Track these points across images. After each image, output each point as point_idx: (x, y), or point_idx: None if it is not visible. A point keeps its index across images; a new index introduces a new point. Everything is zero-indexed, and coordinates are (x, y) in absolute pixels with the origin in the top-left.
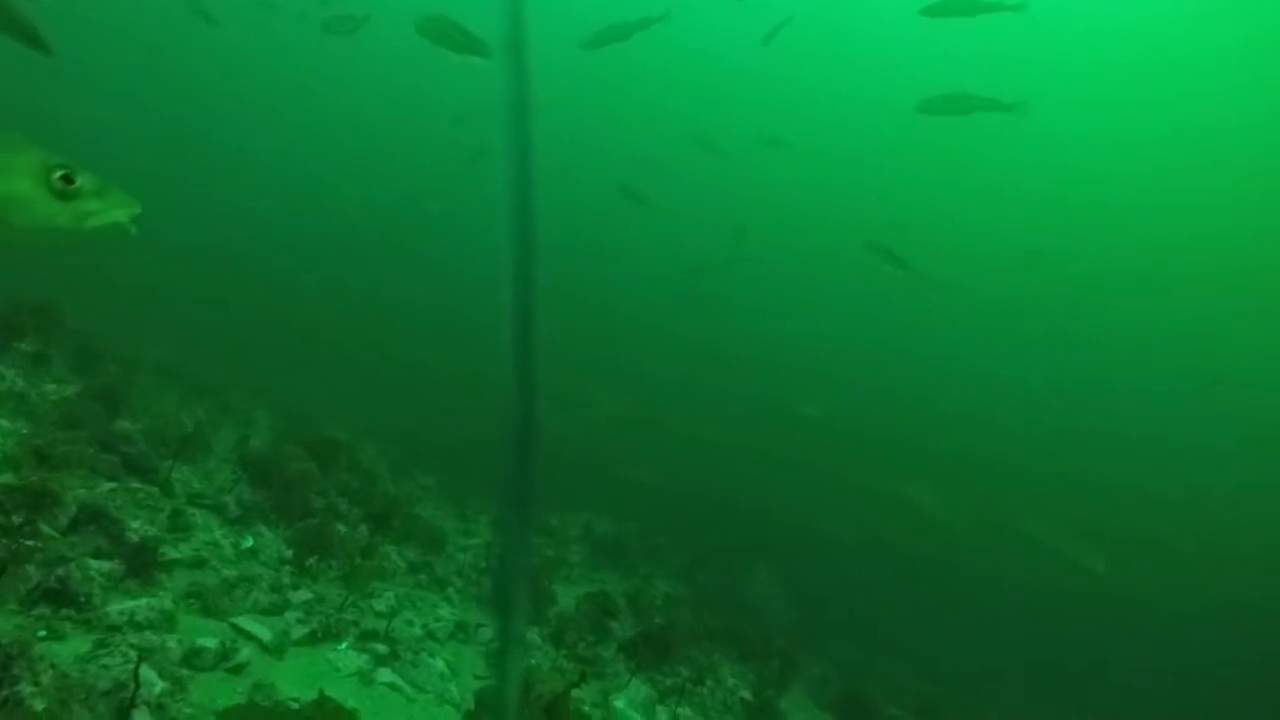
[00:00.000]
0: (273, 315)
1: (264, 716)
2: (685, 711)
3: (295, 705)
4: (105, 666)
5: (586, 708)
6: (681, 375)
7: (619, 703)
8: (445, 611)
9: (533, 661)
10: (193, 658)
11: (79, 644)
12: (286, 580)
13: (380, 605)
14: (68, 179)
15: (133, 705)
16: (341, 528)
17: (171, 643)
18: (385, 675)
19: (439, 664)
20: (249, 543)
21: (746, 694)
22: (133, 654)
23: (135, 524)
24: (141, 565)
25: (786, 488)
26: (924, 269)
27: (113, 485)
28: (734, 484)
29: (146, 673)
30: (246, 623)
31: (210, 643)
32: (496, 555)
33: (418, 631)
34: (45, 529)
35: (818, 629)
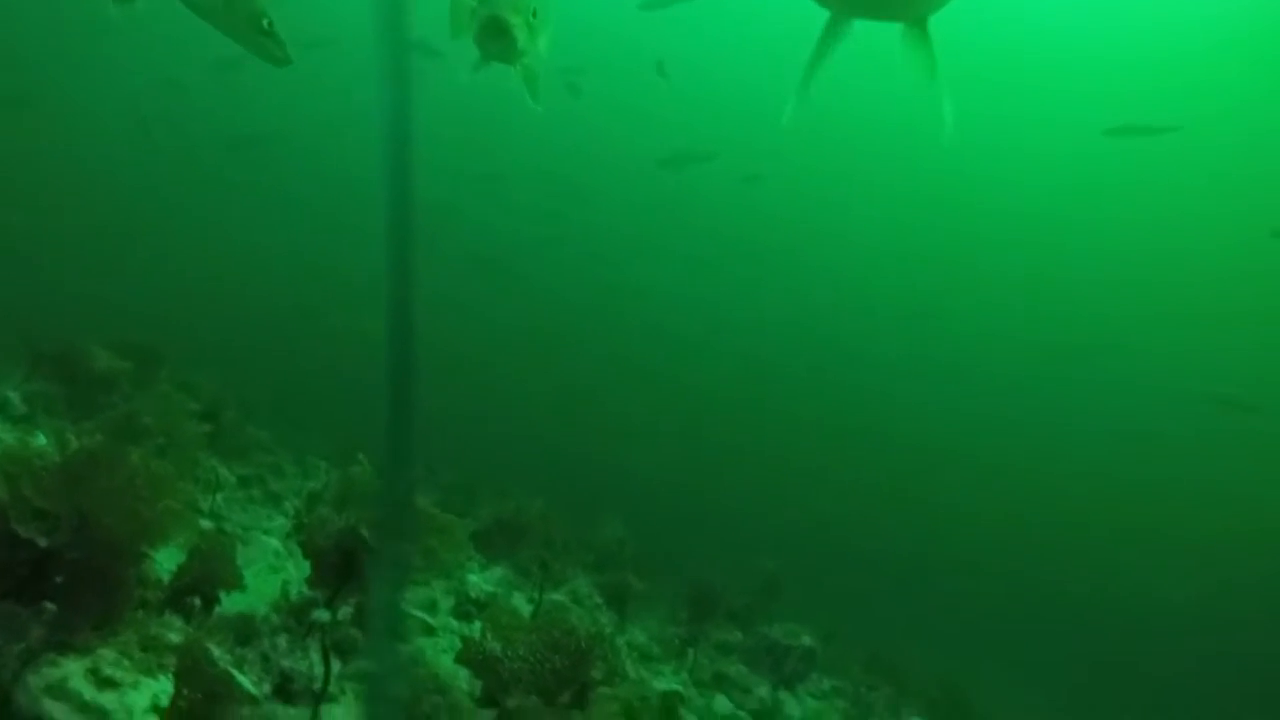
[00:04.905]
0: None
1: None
2: (542, 595)
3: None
4: None
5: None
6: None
7: (473, 576)
8: (280, 521)
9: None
10: None
11: None
12: None
13: (204, 504)
14: (269, 24)
15: None
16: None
17: None
18: None
19: (273, 543)
20: (41, 440)
21: (600, 599)
22: None
23: None
24: None
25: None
26: None
27: None
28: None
29: None
30: None
31: None
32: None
33: (248, 523)
34: None
35: (668, 554)
